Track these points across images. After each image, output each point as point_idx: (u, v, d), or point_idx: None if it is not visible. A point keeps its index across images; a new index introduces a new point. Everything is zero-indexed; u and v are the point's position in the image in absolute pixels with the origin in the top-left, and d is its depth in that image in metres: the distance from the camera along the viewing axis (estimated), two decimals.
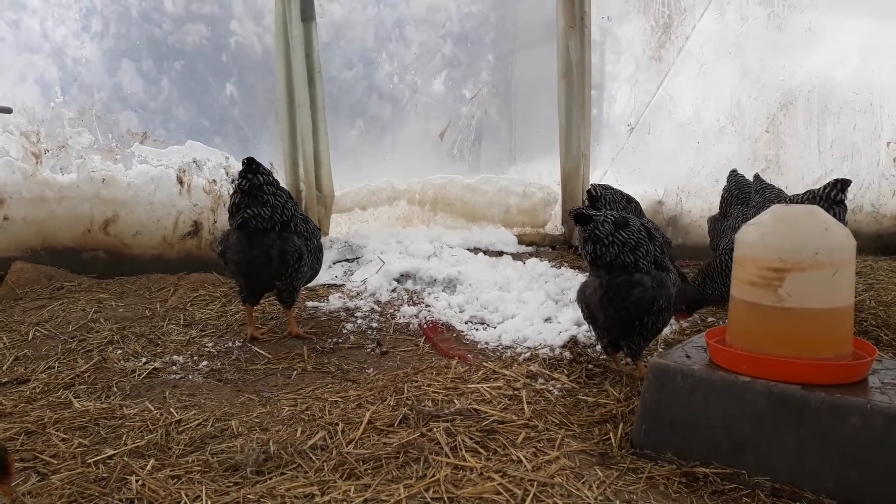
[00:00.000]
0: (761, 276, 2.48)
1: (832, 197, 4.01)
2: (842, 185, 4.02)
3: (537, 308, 4.53)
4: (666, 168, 6.11)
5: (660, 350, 3.82)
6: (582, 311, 3.49)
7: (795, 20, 6.65)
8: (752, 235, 2.56)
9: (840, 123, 6.82)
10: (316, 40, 5.89)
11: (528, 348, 3.91)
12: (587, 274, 5.34)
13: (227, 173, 5.81)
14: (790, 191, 5.21)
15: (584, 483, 2.44)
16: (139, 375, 3.61)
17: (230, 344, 4.04)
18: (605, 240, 3.20)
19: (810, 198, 4.11)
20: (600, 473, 2.51)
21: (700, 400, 2.52)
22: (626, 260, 3.20)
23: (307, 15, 5.79)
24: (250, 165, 3.93)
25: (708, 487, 2.40)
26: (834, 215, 3.99)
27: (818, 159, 6.70)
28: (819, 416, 2.28)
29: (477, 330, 4.29)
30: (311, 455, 2.69)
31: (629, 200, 4.37)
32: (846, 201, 4.09)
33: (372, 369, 3.69)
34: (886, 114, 6.90)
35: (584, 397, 3.20)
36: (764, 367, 2.42)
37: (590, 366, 3.54)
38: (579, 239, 3.36)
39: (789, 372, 2.38)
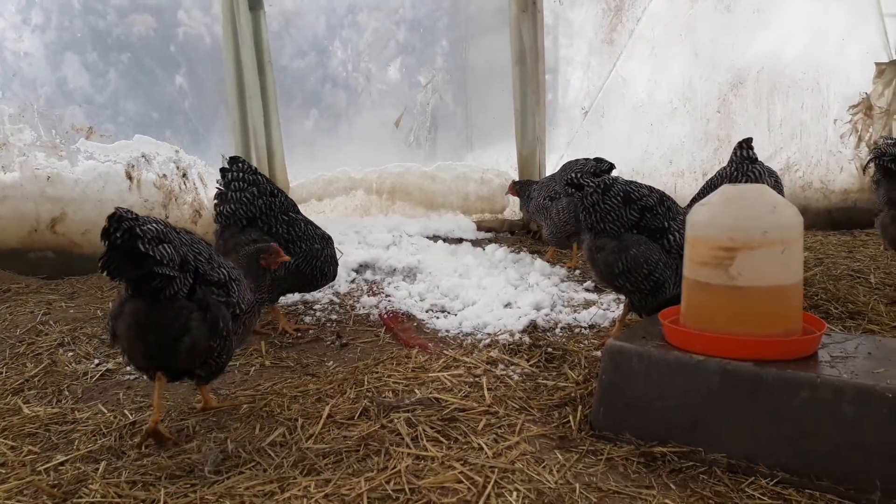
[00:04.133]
0: (712, 255, 2.51)
1: (748, 156, 4.43)
2: (746, 143, 4.47)
3: (497, 294, 4.54)
4: (621, 150, 6.16)
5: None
6: None
7: (744, 1, 6.75)
8: (703, 216, 2.59)
9: (789, 102, 6.98)
10: (265, 29, 5.79)
11: (489, 334, 3.91)
12: (543, 259, 5.41)
13: (178, 167, 5.68)
14: None
15: (544, 467, 2.45)
16: (91, 378, 3.51)
17: None
18: None
19: (724, 170, 4.51)
20: (560, 457, 2.52)
21: (656, 380, 2.54)
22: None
23: (255, 3, 5.69)
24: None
25: (666, 466, 2.43)
26: (753, 175, 4.29)
27: (769, 138, 6.83)
28: (771, 392, 2.32)
29: (438, 318, 4.28)
30: (270, 452, 2.65)
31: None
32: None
33: (332, 362, 3.65)
34: (833, 92, 7.07)
35: (544, 381, 3.22)
36: (717, 345, 2.46)
37: (549, 349, 3.55)
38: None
39: (741, 349, 2.42)
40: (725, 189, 2.63)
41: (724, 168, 4.52)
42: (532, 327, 3.96)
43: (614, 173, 5.19)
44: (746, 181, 4.29)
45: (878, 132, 6.90)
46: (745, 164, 4.40)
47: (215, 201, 4.11)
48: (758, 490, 2.28)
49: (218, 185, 4.09)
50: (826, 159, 7.06)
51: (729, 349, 2.43)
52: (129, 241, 2.51)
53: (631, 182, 3.59)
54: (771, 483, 2.29)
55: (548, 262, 5.37)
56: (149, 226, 2.58)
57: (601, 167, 5.15)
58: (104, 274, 2.58)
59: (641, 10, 6.60)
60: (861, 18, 6.97)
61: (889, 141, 4.28)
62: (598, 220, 3.56)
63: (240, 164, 4.04)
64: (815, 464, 2.26)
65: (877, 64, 6.98)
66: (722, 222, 2.50)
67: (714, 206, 2.58)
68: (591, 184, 3.62)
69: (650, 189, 3.57)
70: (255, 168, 4.14)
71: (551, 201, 5.37)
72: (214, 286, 2.75)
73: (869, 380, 2.23)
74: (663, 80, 6.74)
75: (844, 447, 2.21)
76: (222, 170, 4.06)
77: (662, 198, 3.55)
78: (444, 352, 3.64)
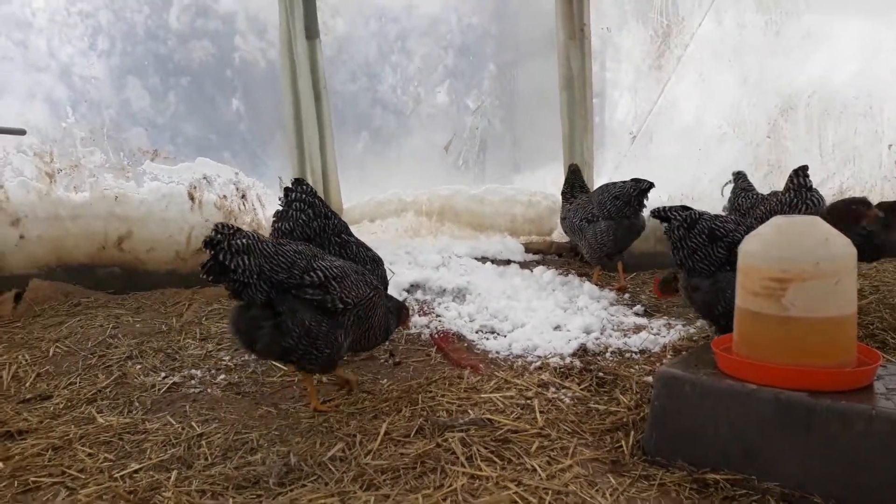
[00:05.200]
0: (764, 286, 2.55)
1: (804, 184, 4.37)
2: (802, 171, 4.40)
3: (546, 316, 4.60)
4: (669, 174, 6.18)
5: (669, 356, 3.89)
6: None
7: (793, 25, 6.73)
8: (755, 246, 2.64)
9: (841, 127, 6.90)
10: (321, 57, 6.00)
11: (539, 357, 3.98)
12: (593, 281, 5.45)
13: (237, 189, 5.92)
14: None
15: (597, 490, 2.51)
16: (159, 390, 3.69)
17: (246, 357, 4.12)
18: None
19: (782, 197, 4.46)
20: (613, 481, 2.58)
21: (709, 408, 2.59)
22: None
23: (311, 33, 5.90)
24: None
25: (719, 493, 2.47)
26: (811, 203, 4.26)
27: (821, 163, 6.76)
28: (825, 423, 2.35)
29: (487, 339, 4.36)
30: (330, 466, 2.77)
31: None
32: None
33: (386, 380, 3.77)
34: (887, 117, 6.97)
35: (596, 405, 3.27)
36: (770, 374, 2.49)
37: (600, 374, 3.61)
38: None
39: (795, 379, 2.45)
40: (777, 220, 2.67)
41: (782, 195, 4.52)
42: (582, 351, 4.02)
43: (654, 194, 5.23)
44: (806, 209, 4.29)
45: None
46: (802, 192, 4.40)
47: (273, 219, 4.25)
48: None
49: (280, 204, 4.23)
50: (881, 185, 6.95)
51: (782, 379, 2.47)
52: (216, 253, 3.00)
53: (716, 217, 3.56)
54: None
55: (596, 284, 5.41)
56: (238, 241, 3.01)
57: (640, 186, 5.18)
58: (207, 279, 3.04)
59: (689, 35, 6.64)
60: None
61: None
62: (685, 257, 3.58)
63: (303, 187, 4.19)
64: (869, 497, 2.27)
65: None
66: (774, 253, 2.54)
67: (766, 236, 2.62)
68: (677, 217, 3.62)
69: (736, 223, 3.54)
70: (315, 191, 4.30)
71: (588, 223, 5.45)
72: (308, 288, 3.14)
73: None
74: (712, 104, 6.75)
75: None
76: (286, 189, 4.20)
77: (750, 231, 3.52)
78: (496, 373, 3.72)
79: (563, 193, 5.98)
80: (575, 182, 5.97)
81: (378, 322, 3.45)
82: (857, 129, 6.97)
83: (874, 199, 6.81)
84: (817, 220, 2.61)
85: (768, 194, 4.88)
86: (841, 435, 2.32)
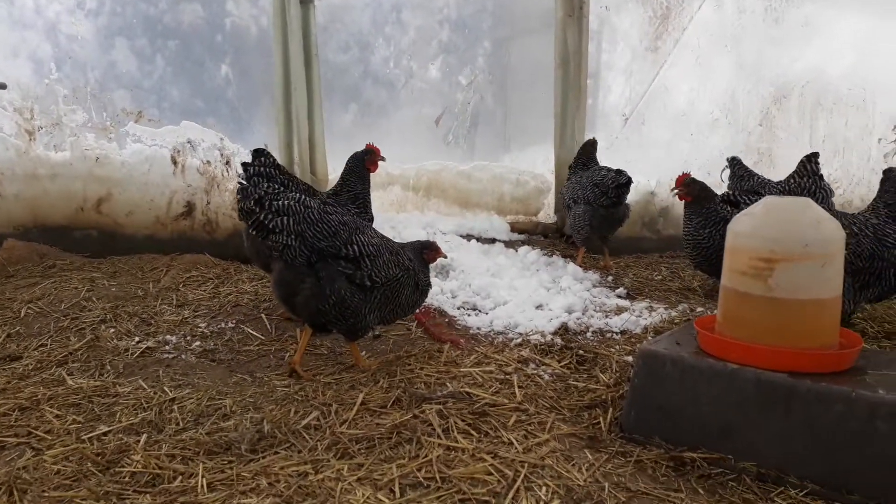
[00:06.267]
0: (752, 266, 2.51)
1: (817, 171, 4.47)
2: (814, 157, 4.51)
3: (529, 295, 4.56)
4: (660, 159, 6.13)
5: (650, 337, 3.86)
6: None
7: (792, 14, 6.68)
8: (745, 226, 2.60)
9: (833, 119, 6.89)
10: (314, 22, 5.88)
11: (520, 334, 3.94)
12: (577, 263, 5.42)
13: (222, 154, 5.80)
14: None
15: (573, 465, 2.48)
16: (132, 354, 3.62)
17: (223, 325, 4.06)
18: None
19: (805, 183, 4.41)
20: (590, 456, 2.55)
21: (689, 386, 2.56)
22: None
23: None
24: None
25: (695, 472, 2.45)
26: (825, 191, 4.23)
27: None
28: (805, 404, 2.33)
29: (469, 315, 4.32)
30: (304, 434, 2.72)
31: None
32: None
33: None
34: (879, 110, 6.96)
35: (575, 382, 3.24)
36: (752, 354, 2.46)
37: (580, 352, 3.58)
38: None
39: (777, 360, 2.42)
40: (769, 200, 2.63)
41: (798, 181, 4.47)
42: (563, 330, 3.98)
43: (643, 179, 5.19)
44: (822, 199, 4.28)
45: None
46: (815, 179, 4.38)
47: (238, 196, 3.74)
48: (787, 500, 2.29)
49: (240, 180, 3.80)
50: (868, 178, 6.95)
51: (764, 359, 2.44)
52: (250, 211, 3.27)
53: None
54: (801, 494, 2.30)
55: (580, 266, 5.38)
56: (280, 202, 3.24)
57: (619, 180, 5.20)
58: (253, 233, 3.31)
59: (688, 18, 6.56)
60: None
61: None
62: None
63: (261, 160, 3.90)
64: (846, 477, 2.26)
65: None
66: (764, 233, 2.51)
67: (757, 216, 2.58)
68: (746, 202, 3.60)
69: None
70: (274, 161, 3.99)
71: (574, 203, 5.46)
72: (343, 259, 3.25)
73: None
74: (706, 90, 6.69)
75: (876, 462, 2.21)
76: (243, 165, 3.86)
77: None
78: (476, 348, 3.69)
79: (570, 167, 5.91)
80: (581, 157, 5.87)
81: (405, 301, 3.44)
82: (849, 121, 6.95)
83: (861, 193, 6.86)
84: (809, 202, 2.57)
85: (785, 179, 4.78)
86: (820, 416, 2.30)
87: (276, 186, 3.77)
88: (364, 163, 4.22)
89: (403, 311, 3.52)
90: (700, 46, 6.63)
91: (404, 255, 3.44)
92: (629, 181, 5.21)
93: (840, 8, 6.72)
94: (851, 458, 2.24)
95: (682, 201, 4.51)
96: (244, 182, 3.84)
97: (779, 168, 6.69)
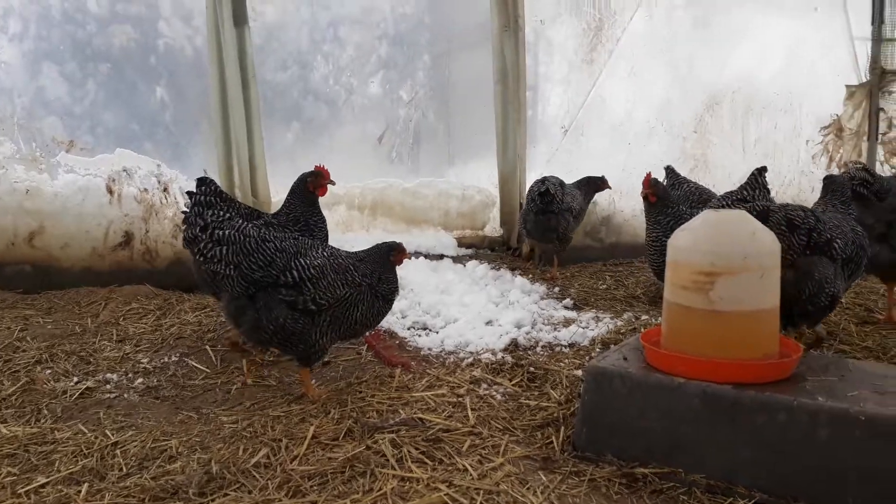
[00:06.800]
0: (693, 280, 2.57)
1: (766, 184, 4.42)
2: (764, 170, 4.47)
3: (479, 311, 4.57)
4: (599, 168, 6.22)
5: (597, 350, 3.91)
6: None
7: (721, 21, 6.90)
8: (685, 241, 2.66)
9: (763, 123, 7.15)
10: (249, 44, 5.77)
11: (471, 353, 3.94)
12: (524, 275, 5.47)
13: (159, 181, 5.64)
14: (718, 189, 5.45)
15: (528, 489, 2.48)
16: (71, 396, 3.48)
17: (166, 359, 3.93)
18: None
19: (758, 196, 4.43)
20: (544, 478, 2.56)
21: (637, 402, 2.59)
22: None
23: (240, 19, 5.66)
24: None
25: (647, 487, 2.48)
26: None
27: (743, 158, 6.97)
28: (750, 414, 2.39)
29: (420, 336, 4.30)
30: (254, 473, 2.65)
31: None
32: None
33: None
34: (805, 113, 7.26)
35: (527, 401, 3.25)
36: (697, 368, 2.51)
37: (531, 369, 3.59)
38: None
39: (721, 372, 2.48)
40: (707, 214, 2.70)
41: (751, 192, 4.45)
42: (513, 346, 4.00)
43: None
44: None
45: (848, 153, 7.09)
46: (764, 192, 4.37)
47: (183, 226, 3.88)
48: None
49: (185, 209, 3.88)
50: (798, 179, 7.23)
51: (709, 372, 2.49)
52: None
53: (786, 206, 3.50)
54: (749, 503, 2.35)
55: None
56: (220, 232, 3.32)
57: (539, 189, 5.45)
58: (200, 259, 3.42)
59: (621, 30, 6.70)
60: (833, 41, 7.17)
61: (858, 165, 4.40)
62: None
63: (203, 188, 3.87)
64: (791, 485, 2.32)
65: (847, 87, 7.18)
66: (704, 247, 2.57)
67: (696, 231, 2.65)
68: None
69: (802, 208, 3.50)
70: (217, 189, 3.96)
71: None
72: (283, 287, 3.25)
73: (843, 403, 2.31)
74: (642, 99, 6.84)
75: (820, 469, 2.28)
76: (189, 193, 3.89)
77: (815, 214, 3.47)
78: (428, 371, 3.67)
79: None
80: None
81: (361, 316, 3.37)
82: (778, 124, 7.22)
83: (792, 194, 7.12)
84: (745, 214, 2.66)
85: (737, 189, 4.70)
86: (764, 426, 2.36)
87: (222, 214, 3.77)
88: (306, 184, 4.15)
89: (365, 326, 3.47)
90: (634, 56, 6.78)
91: (354, 272, 3.36)
92: (547, 191, 5.38)
93: (766, 14, 6.98)
94: (795, 465, 2.31)
95: (644, 205, 4.68)
96: (187, 210, 3.86)
97: (714, 173, 6.90)
